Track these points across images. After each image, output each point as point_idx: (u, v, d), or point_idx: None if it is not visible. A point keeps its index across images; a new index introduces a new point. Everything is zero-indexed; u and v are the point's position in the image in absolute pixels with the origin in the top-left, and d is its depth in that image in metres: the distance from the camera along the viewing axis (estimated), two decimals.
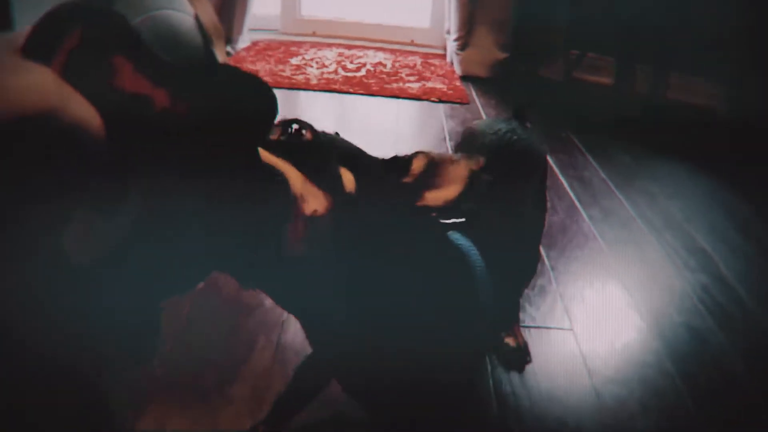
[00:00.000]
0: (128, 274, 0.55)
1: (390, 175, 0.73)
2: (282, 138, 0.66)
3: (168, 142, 0.52)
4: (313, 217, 0.62)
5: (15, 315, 0.54)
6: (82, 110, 0.48)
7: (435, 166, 0.72)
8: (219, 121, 0.53)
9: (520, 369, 1.33)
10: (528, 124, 1.30)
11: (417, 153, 0.73)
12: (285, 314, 1.38)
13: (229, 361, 1.26)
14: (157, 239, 0.55)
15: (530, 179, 1.17)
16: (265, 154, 0.61)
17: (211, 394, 1.18)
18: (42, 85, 0.46)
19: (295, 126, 0.67)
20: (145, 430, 1.10)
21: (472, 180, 0.70)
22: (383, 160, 0.74)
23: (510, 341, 1.37)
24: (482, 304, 0.83)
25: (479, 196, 0.80)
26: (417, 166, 0.72)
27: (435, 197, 0.71)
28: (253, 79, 0.55)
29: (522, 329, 1.43)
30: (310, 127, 0.68)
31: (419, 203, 0.72)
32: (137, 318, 0.61)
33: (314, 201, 0.63)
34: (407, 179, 0.72)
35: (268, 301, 1.43)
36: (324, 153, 0.68)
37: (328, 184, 0.65)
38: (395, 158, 0.74)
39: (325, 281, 0.68)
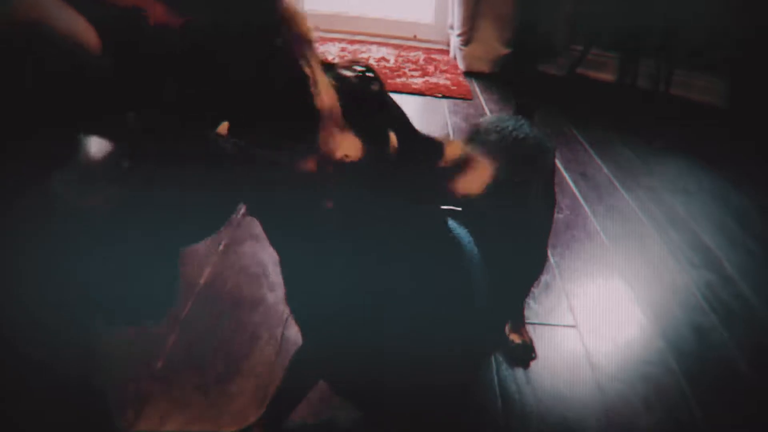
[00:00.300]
0: (137, 220, 0.53)
1: (428, 155, 0.72)
2: (349, 77, 0.64)
3: (166, 62, 0.50)
4: (343, 162, 0.61)
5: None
6: (74, 22, 0.47)
7: (466, 158, 0.72)
8: (219, 37, 0.51)
9: (525, 365, 1.33)
10: (535, 119, 1.30)
11: (450, 140, 0.73)
12: (287, 310, 1.38)
13: (231, 357, 1.26)
14: (164, 182, 0.53)
15: (536, 177, 1.16)
16: (314, 72, 0.60)
17: (213, 390, 1.18)
18: None
19: (367, 73, 0.66)
20: (145, 429, 1.09)
21: (495, 177, 0.70)
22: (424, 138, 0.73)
23: (515, 338, 1.37)
24: (475, 294, 0.83)
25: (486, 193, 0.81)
26: (451, 152, 0.72)
27: (465, 186, 0.71)
28: None
29: (526, 325, 1.42)
30: (379, 81, 0.67)
31: (449, 189, 0.71)
32: (153, 267, 0.60)
33: (349, 146, 0.62)
34: (442, 163, 0.72)
35: (271, 297, 1.43)
36: (380, 109, 0.67)
37: (373, 138, 0.64)
38: (431, 139, 0.73)
39: (329, 251, 0.68)
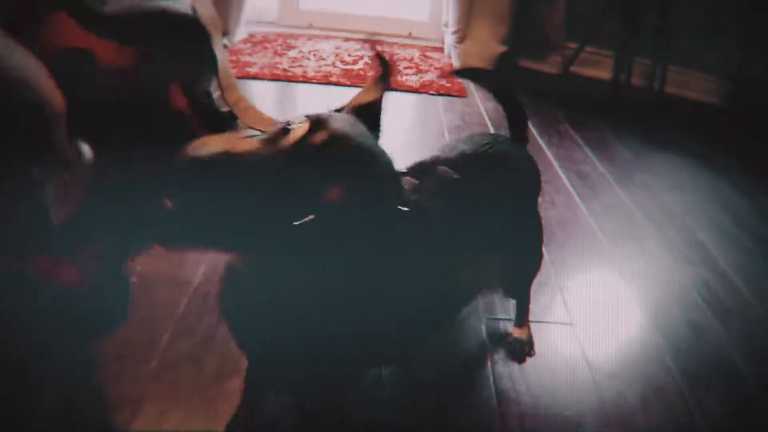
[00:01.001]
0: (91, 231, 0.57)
1: None
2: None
3: (117, 100, 0.53)
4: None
5: None
6: (45, 87, 0.48)
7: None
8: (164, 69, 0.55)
9: (521, 360, 1.33)
10: (526, 140, 1.30)
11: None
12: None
13: (228, 355, 1.25)
14: (116, 195, 0.57)
15: (508, 189, 1.13)
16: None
17: (210, 388, 1.17)
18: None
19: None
20: (142, 428, 1.08)
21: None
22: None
23: (516, 332, 1.37)
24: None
25: (436, 191, 0.89)
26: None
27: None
28: (184, 18, 0.56)
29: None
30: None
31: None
32: (106, 278, 0.65)
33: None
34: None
35: None
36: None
37: None
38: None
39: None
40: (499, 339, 1.39)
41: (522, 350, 1.35)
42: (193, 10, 1.83)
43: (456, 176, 0.91)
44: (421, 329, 1.00)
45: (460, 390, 1.26)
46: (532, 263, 1.35)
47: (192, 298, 1.40)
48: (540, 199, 1.31)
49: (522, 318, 1.39)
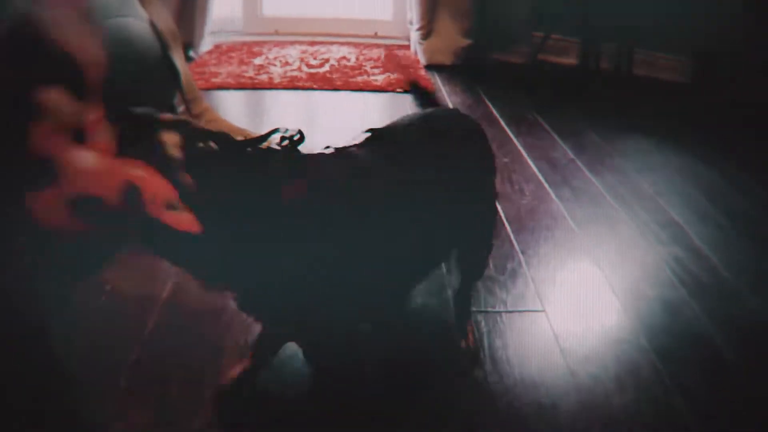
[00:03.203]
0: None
1: None
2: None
3: None
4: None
5: None
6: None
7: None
8: None
9: (469, 375, 1.27)
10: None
11: None
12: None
13: (194, 369, 1.23)
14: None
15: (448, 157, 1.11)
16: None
17: (177, 404, 1.15)
18: None
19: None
20: None
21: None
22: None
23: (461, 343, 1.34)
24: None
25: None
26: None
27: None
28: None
29: (493, 314, 1.41)
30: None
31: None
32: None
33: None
34: None
35: (233, 306, 1.40)
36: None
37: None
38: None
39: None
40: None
41: (470, 362, 1.30)
42: (152, 23, 1.80)
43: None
44: (406, 280, 1.13)
45: (430, 383, 1.25)
46: (481, 239, 1.30)
47: (161, 314, 1.38)
48: (497, 178, 1.28)
49: (463, 322, 1.36)
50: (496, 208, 1.33)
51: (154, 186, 0.71)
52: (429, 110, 1.22)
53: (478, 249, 1.30)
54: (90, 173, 0.67)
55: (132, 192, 0.69)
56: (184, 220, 0.72)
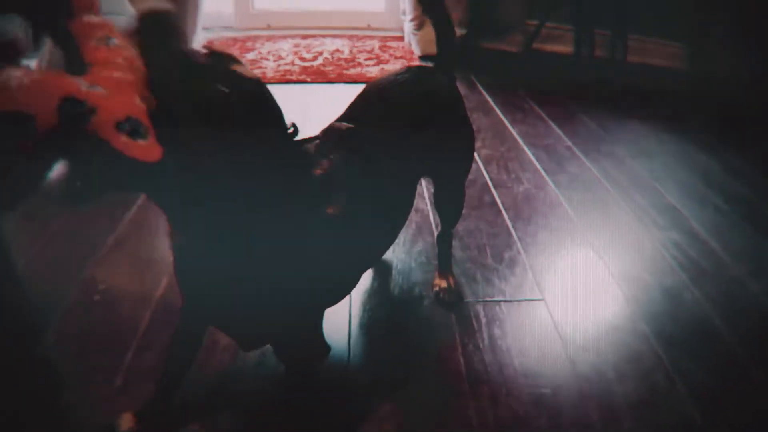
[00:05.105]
0: None
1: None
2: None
3: None
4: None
5: None
6: None
7: None
8: None
9: (451, 307, 1.40)
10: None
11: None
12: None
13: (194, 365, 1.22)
14: None
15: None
16: None
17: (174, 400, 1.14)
18: None
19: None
20: None
21: None
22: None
23: (441, 282, 1.44)
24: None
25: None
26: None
27: None
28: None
29: (492, 304, 1.40)
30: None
31: None
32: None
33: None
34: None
35: None
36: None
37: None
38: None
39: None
40: (468, 321, 1.37)
41: (449, 299, 1.41)
42: None
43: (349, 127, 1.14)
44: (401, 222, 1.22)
45: (429, 373, 1.24)
46: (452, 195, 1.41)
47: (155, 311, 1.37)
48: (477, 143, 1.33)
49: (445, 263, 1.46)
50: (471, 156, 1.41)
51: (113, 105, 0.65)
52: (403, 74, 1.29)
53: (452, 193, 1.41)
54: (20, 89, 0.61)
55: (75, 110, 0.63)
56: (140, 147, 0.66)
